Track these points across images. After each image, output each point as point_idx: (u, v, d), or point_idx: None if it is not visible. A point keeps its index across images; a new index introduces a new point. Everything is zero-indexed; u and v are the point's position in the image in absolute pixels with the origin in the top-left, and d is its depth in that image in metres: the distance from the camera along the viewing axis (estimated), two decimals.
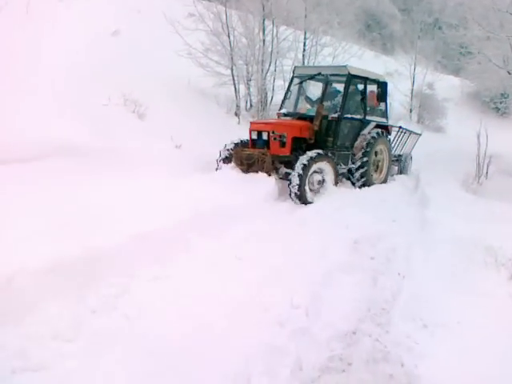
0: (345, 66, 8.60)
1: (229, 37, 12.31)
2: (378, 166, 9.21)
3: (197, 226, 4.98)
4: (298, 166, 7.00)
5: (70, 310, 3.22)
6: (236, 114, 12.59)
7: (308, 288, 4.07)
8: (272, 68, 12.85)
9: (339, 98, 8.66)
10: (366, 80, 8.76)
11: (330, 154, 7.67)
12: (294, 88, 9.27)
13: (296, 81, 9.16)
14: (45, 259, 3.59)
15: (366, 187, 8.43)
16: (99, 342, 3.00)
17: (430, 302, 3.78)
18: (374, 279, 4.72)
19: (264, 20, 12.59)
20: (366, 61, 19.57)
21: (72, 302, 3.33)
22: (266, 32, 12.67)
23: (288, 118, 8.71)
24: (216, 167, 7.86)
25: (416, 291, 3.94)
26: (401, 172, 10.57)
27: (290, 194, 7.04)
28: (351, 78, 8.40)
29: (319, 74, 8.61)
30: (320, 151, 7.41)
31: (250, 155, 7.33)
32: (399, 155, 10.77)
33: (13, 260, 3.44)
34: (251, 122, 7.99)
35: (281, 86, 12.88)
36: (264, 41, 12.61)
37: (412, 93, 20.50)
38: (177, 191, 5.65)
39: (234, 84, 12.78)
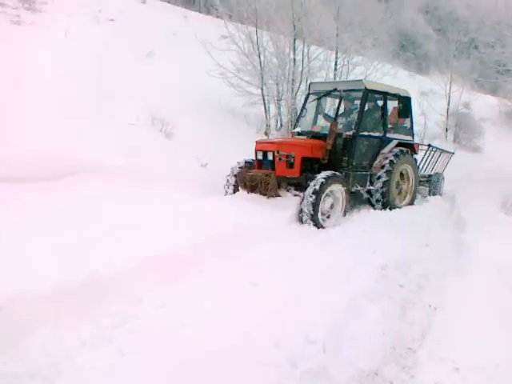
0: (361, 81, 8.05)
1: (259, 57, 12.13)
2: (401, 188, 8.44)
3: (214, 248, 4.64)
4: (309, 193, 6.38)
5: (58, 343, 2.89)
6: (266, 134, 12.32)
7: (328, 318, 3.62)
8: (303, 87, 12.52)
9: (355, 115, 8.01)
10: (385, 95, 8.10)
11: (340, 175, 6.94)
12: (311, 105, 8.68)
13: (312, 97, 8.60)
14: (45, 283, 3.32)
15: (389, 210, 7.80)
16: None
17: (464, 340, 3.25)
18: (402, 309, 4.23)
19: (295, 40, 12.36)
20: (399, 80, 19.02)
21: (64, 332, 3.00)
22: (296, 51, 12.41)
23: (302, 136, 8.12)
24: (225, 193, 7.25)
25: (448, 327, 3.41)
26: (432, 193, 9.80)
27: (301, 220, 6.43)
28: (368, 93, 7.78)
29: (335, 89, 7.95)
30: (331, 172, 6.72)
31: (254, 176, 6.73)
32: (429, 175, 10.07)
33: (10, 283, 3.19)
34: (256, 142, 7.38)
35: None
36: (295, 60, 12.35)
37: (448, 112, 19.75)
38: (197, 211, 5.34)
39: (264, 103, 12.56)
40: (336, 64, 13.45)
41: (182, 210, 5.50)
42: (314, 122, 8.64)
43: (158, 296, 3.71)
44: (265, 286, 4.08)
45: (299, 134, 8.18)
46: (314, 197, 6.32)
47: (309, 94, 8.65)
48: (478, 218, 7.10)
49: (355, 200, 8.16)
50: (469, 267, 5.13)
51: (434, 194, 9.72)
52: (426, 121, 17.72)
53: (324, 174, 6.61)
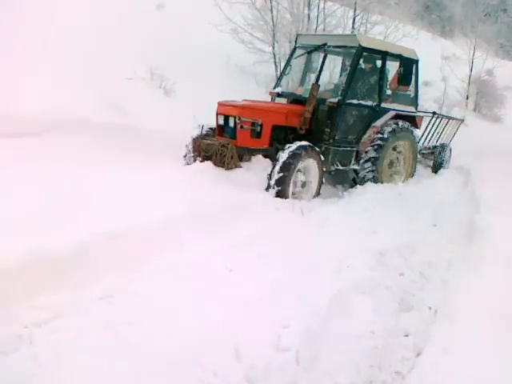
0: (354, 36, 6.61)
1: (271, 11, 11.06)
2: (395, 168, 7.11)
3: (190, 224, 3.94)
4: (279, 166, 5.25)
5: None
6: None
7: (308, 317, 2.95)
8: None
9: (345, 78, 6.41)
10: (384, 55, 6.51)
11: (317, 149, 5.67)
12: (297, 62, 7.10)
13: (299, 52, 6.99)
14: None
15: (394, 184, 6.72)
16: None
17: (467, 366, 2.47)
18: (399, 304, 3.56)
19: None
20: (421, 42, 17.72)
21: None
22: (311, 7, 11.29)
23: (282, 99, 6.87)
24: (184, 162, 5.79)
25: (448, 343, 2.66)
26: (436, 168, 8.43)
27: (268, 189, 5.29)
28: (361, 51, 6.23)
29: (325, 44, 6.33)
30: (305, 144, 5.50)
31: (209, 146, 5.48)
32: (434, 147, 8.60)
33: None
34: (218, 103, 5.82)
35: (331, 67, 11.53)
36: (309, 16, 11.24)
37: (469, 79, 18.38)
38: (181, 182, 4.60)
39: (275, 62, 11.56)
40: (354, 22, 12.27)
41: (165, 180, 4.74)
42: (302, 83, 7.13)
43: (110, 282, 3.06)
44: (240, 273, 3.41)
45: (279, 95, 6.87)
46: (284, 172, 5.24)
47: (295, 48, 7.12)
48: (495, 196, 6.26)
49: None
50: (480, 256, 4.37)
51: (438, 168, 8.38)
52: (447, 87, 16.46)
53: (296, 145, 5.43)
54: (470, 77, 18.40)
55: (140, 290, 3.05)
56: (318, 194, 5.78)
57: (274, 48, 11.40)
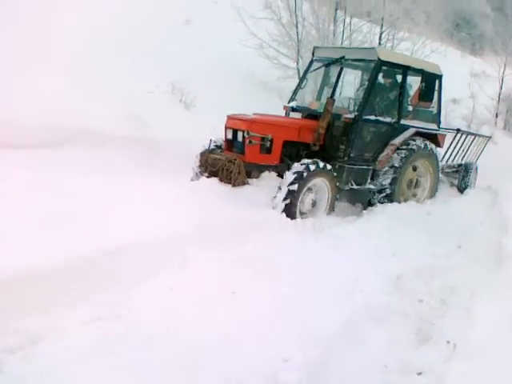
0: (373, 49, 6.23)
1: (297, 27, 10.92)
2: (415, 187, 6.64)
3: (195, 241, 3.73)
4: (290, 177, 4.95)
5: None
6: None
7: (311, 349, 2.67)
8: None
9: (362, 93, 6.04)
10: (405, 69, 6.13)
11: (328, 167, 5.30)
12: (314, 75, 6.77)
13: (316, 65, 6.61)
14: None
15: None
16: None
17: None
18: (417, 334, 3.25)
19: (336, 10, 11.03)
20: (449, 60, 17.25)
21: None
22: (337, 23, 11.10)
23: (296, 114, 6.49)
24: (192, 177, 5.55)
25: None
26: (461, 187, 7.82)
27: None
28: (381, 65, 5.89)
29: (342, 57, 6.02)
30: (312, 162, 5.14)
31: (216, 161, 5.20)
32: (459, 165, 8.01)
33: None
34: (228, 117, 5.54)
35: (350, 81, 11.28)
36: (334, 32, 11.05)
37: (499, 96, 17.74)
38: (187, 198, 4.40)
39: (300, 78, 11.36)
40: (380, 38, 12.00)
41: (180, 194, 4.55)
42: (318, 98, 6.74)
43: (99, 307, 2.82)
44: (243, 296, 3.15)
45: (294, 109, 6.52)
46: (295, 187, 4.91)
47: (312, 61, 6.70)
48: None
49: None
50: (508, 282, 4.03)
51: (464, 188, 7.81)
52: (476, 104, 15.91)
53: (309, 160, 5.13)
54: (499, 94, 17.78)
55: (131, 313, 2.82)
56: (331, 211, 5.47)
57: (298, 64, 11.23)
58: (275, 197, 4.95)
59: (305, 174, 4.98)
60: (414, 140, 6.27)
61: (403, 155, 6.08)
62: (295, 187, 4.91)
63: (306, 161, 5.16)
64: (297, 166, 5.06)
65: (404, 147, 6.15)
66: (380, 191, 6.05)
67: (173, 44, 10.69)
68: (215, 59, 10.81)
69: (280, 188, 4.96)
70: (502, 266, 4.42)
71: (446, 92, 12.61)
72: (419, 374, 2.62)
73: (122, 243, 3.38)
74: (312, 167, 5.07)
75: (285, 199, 4.88)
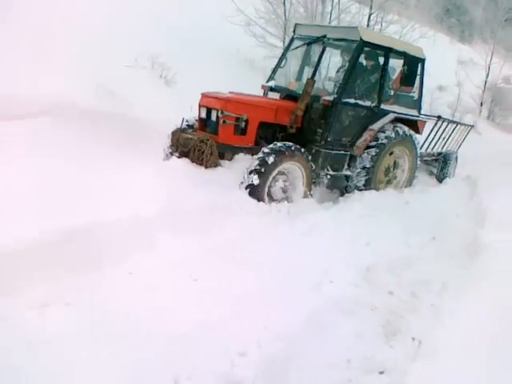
0: (355, 28, 5.81)
1: (284, 4, 10.60)
2: (392, 175, 6.44)
3: (162, 225, 3.55)
4: (257, 160, 4.72)
5: None
6: None
7: (271, 342, 2.55)
8: None
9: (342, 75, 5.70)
10: (387, 51, 5.82)
11: (302, 150, 5.07)
12: (294, 54, 6.43)
13: (296, 43, 6.28)
14: None
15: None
16: None
17: None
18: (384, 326, 3.16)
19: None
20: (438, 46, 17.04)
21: None
22: (325, 2, 10.79)
23: (275, 93, 6.17)
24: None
25: None
26: (440, 177, 7.65)
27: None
28: (363, 46, 5.60)
29: (324, 36, 5.72)
30: (283, 146, 4.89)
31: (188, 140, 4.90)
32: (439, 154, 7.80)
33: None
34: (202, 94, 5.23)
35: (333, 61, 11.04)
36: (323, 12, 10.75)
37: (485, 85, 17.66)
38: (155, 179, 4.18)
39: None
40: (369, 20, 11.73)
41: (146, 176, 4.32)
42: (298, 78, 6.39)
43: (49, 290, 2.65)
44: (204, 285, 2.99)
45: (272, 89, 6.18)
46: (262, 168, 4.65)
47: (293, 39, 6.38)
48: (502, 210, 5.79)
49: None
50: (481, 276, 3.97)
51: (443, 178, 7.62)
52: (461, 93, 15.81)
53: (274, 145, 4.87)
54: (485, 83, 17.70)
55: (82, 299, 2.65)
56: (308, 197, 5.26)
57: (284, 43, 10.91)
58: (243, 180, 4.75)
59: (273, 158, 4.76)
60: (393, 126, 6.08)
61: (381, 141, 5.88)
62: (262, 170, 4.69)
63: (277, 144, 4.95)
64: (266, 149, 4.85)
65: (382, 133, 5.93)
66: (357, 176, 5.88)
67: (156, 18, 10.25)
68: (200, 35, 10.43)
69: (248, 170, 4.75)
70: (475, 260, 4.36)
71: (432, 79, 12.50)
72: (381, 372, 2.52)
73: (85, 225, 3.19)
74: (282, 150, 4.86)
75: (250, 183, 4.67)
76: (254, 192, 4.67)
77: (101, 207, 3.47)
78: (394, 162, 6.47)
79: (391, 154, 6.29)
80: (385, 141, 5.89)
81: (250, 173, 4.69)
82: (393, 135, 5.98)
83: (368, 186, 5.89)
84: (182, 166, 4.61)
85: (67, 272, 2.79)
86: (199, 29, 10.87)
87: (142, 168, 4.22)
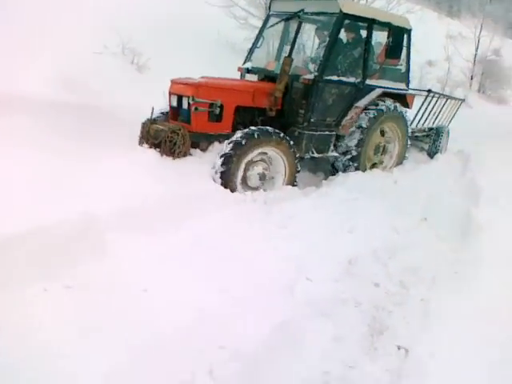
0: (335, 0, 5.15)
1: None
2: (382, 151, 6.00)
3: (118, 225, 3.07)
4: (227, 146, 4.28)
5: None
6: None
7: (230, 362, 2.10)
8: None
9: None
10: (370, 23, 5.36)
11: (281, 134, 4.59)
12: (271, 32, 5.97)
13: (273, 21, 5.76)
14: None
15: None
16: None
17: None
18: (369, 325, 2.72)
19: None
20: (426, 21, 16.42)
21: None
22: None
23: (252, 75, 5.72)
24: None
25: None
26: (431, 153, 7.27)
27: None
28: (343, 19, 5.11)
29: (301, 11, 5.20)
30: (257, 129, 4.44)
31: (158, 132, 4.45)
32: (430, 129, 7.39)
33: None
34: (172, 81, 4.80)
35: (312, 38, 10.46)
36: None
37: (475, 58, 17.08)
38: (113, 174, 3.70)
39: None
40: None
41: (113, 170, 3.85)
42: (277, 58, 5.86)
43: None
44: (155, 296, 2.50)
45: (249, 71, 5.77)
46: (232, 151, 4.21)
47: (269, 16, 5.87)
48: (498, 186, 5.34)
49: None
50: (475, 260, 3.53)
51: (434, 153, 7.24)
52: (451, 66, 15.25)
53: (248, 129, 4.43)
54: (475, 56, 17.12)
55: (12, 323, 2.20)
56: (292, 184, 4.80)
57: None
58: (213, 167, 4.29)
59: (244, 143, 4.28)
60: (381, 101, 5.62)
61: (369, 118, 5.44)
62: (232, 155, 4.23)
63: (252, 128, 4.48)
64: (239, 133, 4.39)
65: (369, 109, 5.50)
66: (345, 153, 5.44)
67: (129, 1, 9.65)
68: (177, 18, 9.85)
69: (218, 155, 4.29)
70: (469, 243, 3.92)
71: (421, 54, 11.92)
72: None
73: (20, 231, 2.73)
74: (255, 135, 4.38)
75: (221, 170, 4.21)
76: (225, 180, 4.22)
77: (45, 207, 3.01)
78: (384, 147, 6.02)
79: (383, 135, 5.85)
80: (373, 116, 5.46)
81: (221, 157, 4.24)
82: (381, 110, 5.54)
83: (356, 162, 5.46)
84: (147, 158, 4.13)
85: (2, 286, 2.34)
86: (176, 12, 10.27)
87: (107, 162, 3.74)
